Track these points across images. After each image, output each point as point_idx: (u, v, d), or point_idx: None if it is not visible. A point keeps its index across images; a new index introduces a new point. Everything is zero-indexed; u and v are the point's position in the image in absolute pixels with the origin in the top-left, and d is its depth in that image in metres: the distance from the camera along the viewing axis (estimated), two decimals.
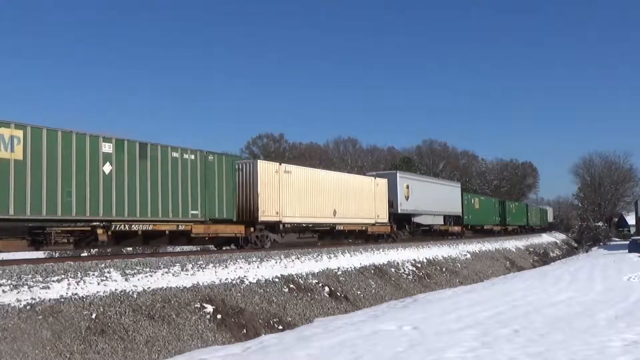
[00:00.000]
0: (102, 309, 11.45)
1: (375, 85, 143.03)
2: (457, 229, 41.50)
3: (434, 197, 35.64)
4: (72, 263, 12.93)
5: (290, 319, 15.21)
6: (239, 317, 13.89)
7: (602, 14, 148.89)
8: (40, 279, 11.46)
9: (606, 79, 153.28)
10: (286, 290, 16.53)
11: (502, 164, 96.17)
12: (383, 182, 29.61)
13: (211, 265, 15.68)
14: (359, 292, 19.50)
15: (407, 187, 32.09)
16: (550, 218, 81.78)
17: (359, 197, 27.41)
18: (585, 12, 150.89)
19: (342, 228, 26.43)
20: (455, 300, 17.03)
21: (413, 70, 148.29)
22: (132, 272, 13.35)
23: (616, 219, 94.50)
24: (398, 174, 31.74)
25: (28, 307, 10.41)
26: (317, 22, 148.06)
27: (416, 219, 33.82)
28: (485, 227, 48.55)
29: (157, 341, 11.57)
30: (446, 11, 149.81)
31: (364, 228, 28.12)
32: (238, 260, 16.84)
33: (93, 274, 12.49)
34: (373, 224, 28.78)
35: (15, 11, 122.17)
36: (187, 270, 14.71)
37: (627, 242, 46.33)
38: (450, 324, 12.02)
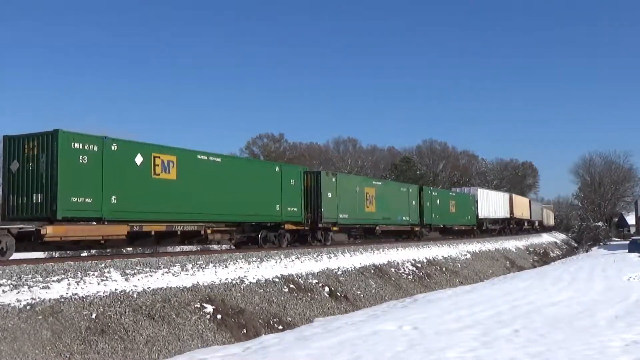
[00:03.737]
0: (102, 309, 11.45)
1: (376, 86, 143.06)
2: None
3: None
4: (72, 263, 12.92)
5: (290, 319, 15.21)
6: (239, 317, 13.90)
7: (602, 14, 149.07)
8: (40, 279, 11.46)
9: (606, 79, 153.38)
10: (286, 290, 16.53)
11: (502, 164, 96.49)
12: None
13: (211, 265, 15.68)
14: (359, 292, 19.50)
15: None
16: (481, 211, 44.71)
17: None
18: (585, 11, 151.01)
19: None
20: (455, 300, 17.04)
21: (413, 70, 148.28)
22: (132, 272, 13.35)
23: (616, 219, 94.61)
24: None
25: (28, 307, 10.41)
26: (317, 22, 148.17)
27: None
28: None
29: (157, 341, 11.58)
30: (446, 11, 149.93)
31: None
32: (238, 260, 16.85)
33: (93, 274, 12.49)
34: None
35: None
36: (187, 270, 14.71)
37: (627, 242, 46.35)
38: (450, 324, 12.04)
